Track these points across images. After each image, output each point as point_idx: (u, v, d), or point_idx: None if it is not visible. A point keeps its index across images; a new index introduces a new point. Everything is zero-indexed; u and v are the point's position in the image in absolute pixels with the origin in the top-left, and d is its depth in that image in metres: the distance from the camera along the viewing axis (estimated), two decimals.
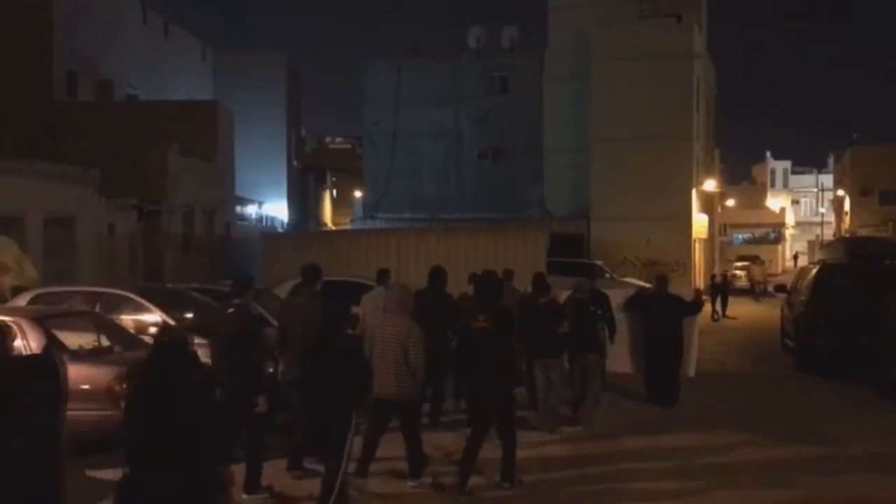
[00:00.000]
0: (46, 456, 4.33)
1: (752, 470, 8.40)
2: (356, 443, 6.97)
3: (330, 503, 6.43)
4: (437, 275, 9.87)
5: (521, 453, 7.79)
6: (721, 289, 27.21)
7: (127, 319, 10.88)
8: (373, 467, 7.58)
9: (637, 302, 11.98)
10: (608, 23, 29.96)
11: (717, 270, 33.25)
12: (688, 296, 12.35)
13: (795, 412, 11.38)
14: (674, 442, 9.49)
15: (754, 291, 33.92)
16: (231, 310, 7.50)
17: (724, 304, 26.69)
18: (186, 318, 11.16)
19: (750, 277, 35.88)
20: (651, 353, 11.49)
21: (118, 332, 9.59)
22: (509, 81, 35.03)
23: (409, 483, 7.53)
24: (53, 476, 4.41)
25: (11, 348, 4.99)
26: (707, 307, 20.91)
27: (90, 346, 8.89)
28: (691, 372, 11.87)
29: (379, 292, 10.50)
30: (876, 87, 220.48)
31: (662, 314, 11.41)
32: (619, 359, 11.37)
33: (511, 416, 7.60)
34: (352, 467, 7.01)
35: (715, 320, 24.76)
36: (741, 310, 27.76)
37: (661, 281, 12.14)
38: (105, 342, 9.10)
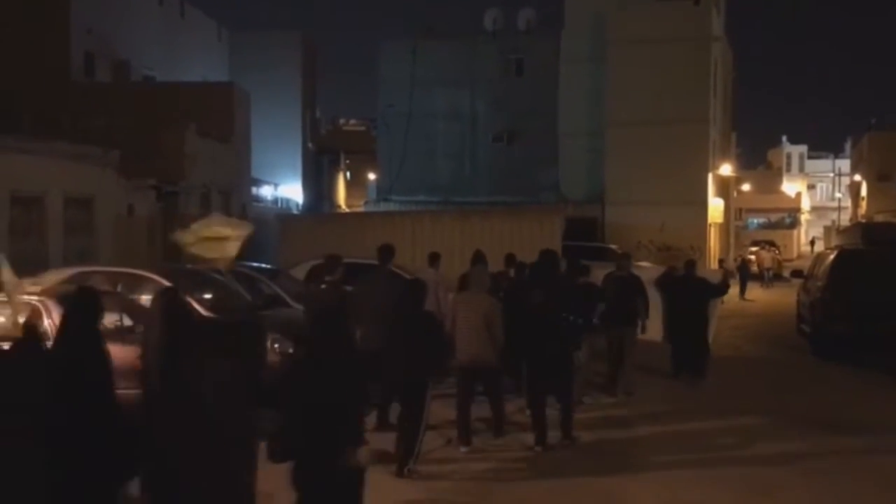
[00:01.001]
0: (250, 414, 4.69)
1: (761, 447, 8.50)
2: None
3: (411, 464, 7.23)
4: (481, 258, 10.64)
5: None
6: (741, 272, 27.76)
7: (147, 300, 10.98)
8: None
9: (666, 282, 12.75)
10: (625, 5, 29.74)
11: (732, 255, 33.08)
12: (715, 279, 13.51)
13: (809, 396, 11.44)
14: (687, 423, 9.60)
15: (763, 277, 32.68)
16: (323, 286, 8.53)
17: (743, 288, 27.11)
18: (205, 299, 11.28)
19: (759, 262, 34.99)
20: (676, 331, 12.22)
21: (140, 312, 9.68)
22: (525, 64, 34.85)
23: (497, 441, 8.36)
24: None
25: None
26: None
27: (113, 326, 9.00)
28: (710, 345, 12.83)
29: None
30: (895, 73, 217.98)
31: (688, 295, 12.20)
32: (653, 329, 11.97)
33: (569, 381, 8.52)
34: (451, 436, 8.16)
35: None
36: (752, 295, 27.77)
37: (690, 265, 13.01)
38: (127, 322, 9.22)
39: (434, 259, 11.71)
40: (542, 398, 8.34)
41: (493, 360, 8.16)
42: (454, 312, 8.30)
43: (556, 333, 8.27)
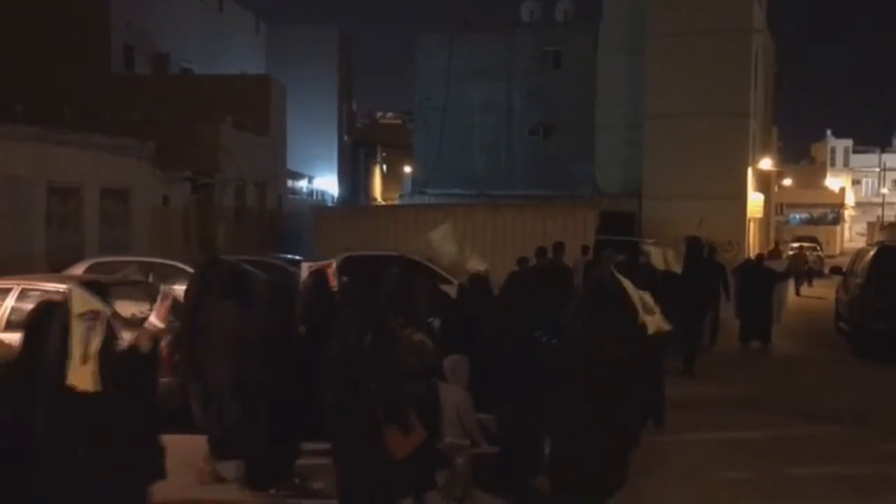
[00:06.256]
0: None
1: (794, 449, 8.32)
2: None
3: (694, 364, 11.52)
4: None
5: None
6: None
7: (179, 290, 11.09)
8: None
9: (739, 271, 15.38)
10: None
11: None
12: (780, 267, 16.76)
13: (845, 396, 11.16)
14: (721, 421, 9.45)
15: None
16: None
17: (808, 281, 28.30)
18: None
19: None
20: (748, 309, 14.81)
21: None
22: (562, 56, 34.60)
23: None
24: None
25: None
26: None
27: (143, 315, 9.08)
28: (781, 320, 15.99)
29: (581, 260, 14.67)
30: None
31: (759, 279, 14.92)
32: (726, 307, 14.71)
33: (696, 335, 11.80)
34: None
35: None
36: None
37: (759, 256, 16.45)
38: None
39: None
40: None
41: None
42: None
43: (699, 300, 11.49)
